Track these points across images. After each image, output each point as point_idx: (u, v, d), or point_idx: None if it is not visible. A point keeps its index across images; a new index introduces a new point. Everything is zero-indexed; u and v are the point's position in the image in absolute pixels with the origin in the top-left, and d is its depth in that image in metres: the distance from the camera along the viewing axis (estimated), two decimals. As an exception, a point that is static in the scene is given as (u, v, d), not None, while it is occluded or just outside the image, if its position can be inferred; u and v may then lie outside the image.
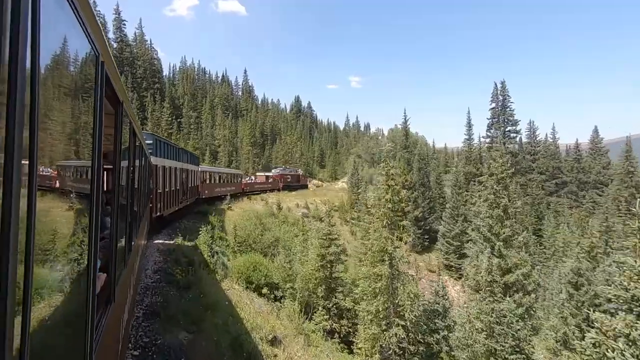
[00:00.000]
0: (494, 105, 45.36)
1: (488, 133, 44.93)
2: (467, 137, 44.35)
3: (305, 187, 63.81)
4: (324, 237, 18.22)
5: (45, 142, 1.19)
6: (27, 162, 0.96)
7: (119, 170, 3.01)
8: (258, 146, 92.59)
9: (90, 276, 1.79)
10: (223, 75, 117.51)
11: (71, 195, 1.62)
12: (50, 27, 1.11)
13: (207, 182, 30.09)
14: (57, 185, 1.45)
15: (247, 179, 45.83)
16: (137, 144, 4.71)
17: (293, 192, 52.60)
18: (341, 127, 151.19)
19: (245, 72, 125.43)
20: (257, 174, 53.57)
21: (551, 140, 65.43)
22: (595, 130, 64.38)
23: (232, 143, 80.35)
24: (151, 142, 14.11)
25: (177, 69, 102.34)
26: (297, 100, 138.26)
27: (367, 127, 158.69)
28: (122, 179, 3.31)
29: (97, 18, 1.74)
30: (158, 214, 15.03)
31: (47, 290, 1.25)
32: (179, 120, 75.13)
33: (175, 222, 19.61)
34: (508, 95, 44.06)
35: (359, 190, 47.89)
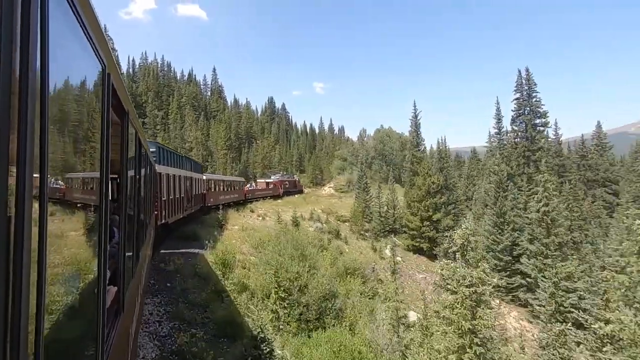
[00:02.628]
0: (518, 95, 40.19)
1: (514, 127, 39.60)
2: (496, 131, 38.74)
3: (302, 192, 62.79)
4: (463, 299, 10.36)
5: (56, 153, 1.21)
6: (38, 175, 0.96)
7: (125, 179, 3.10)
8: (234, 150, 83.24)
9: (100, 290, 1.79)
10: (190, 74, 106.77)
11: (81, 207, 1.64)
12: (59, 40, 1.13)
13: (212, 190, 29.64)
14: (67, 197, 1.46)
15: (247, 185, 44.26)
16: (142, 152, 4.73)
17: (280, 201, 46.42)
18: (315, 130, 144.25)
19: (214, 71, 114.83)
20: (258, 180, 53.23)
21: (554, 137, 61.53)
22: (599, 125, 61.90)
23: (205, 146, 70.53)
24: (155, 150, 14.15)
25: (138, 66, 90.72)
26: (271, 101, 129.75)
27: (342, 130, 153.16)
28: (128, 188, 3.31)
29: (104, 32, 1.77)
30: (163, 221, 14.72)
31: (59, 305, 1.26)
32: (142, 119, 64.50)
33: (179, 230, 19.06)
34: (534, 84, 39.06)
35: (368, 197, 40.64)
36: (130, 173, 3.53)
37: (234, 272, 14.15)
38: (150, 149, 11.90)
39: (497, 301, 28.33)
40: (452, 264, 10.05)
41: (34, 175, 0.90)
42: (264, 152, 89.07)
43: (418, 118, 44.10)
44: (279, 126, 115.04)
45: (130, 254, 3.59)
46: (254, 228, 26.40)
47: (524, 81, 39.71)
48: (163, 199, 14.83)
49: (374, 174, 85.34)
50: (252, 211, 37.10)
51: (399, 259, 32.50)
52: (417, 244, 34.38)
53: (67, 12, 1.23)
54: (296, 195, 59.54)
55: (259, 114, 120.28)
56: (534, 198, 31.88)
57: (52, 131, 1.07)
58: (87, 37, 1.46)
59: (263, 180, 50.85)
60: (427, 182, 33.93)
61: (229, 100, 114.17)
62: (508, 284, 28.37)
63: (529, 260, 27.45)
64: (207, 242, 19.28)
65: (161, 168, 14.60)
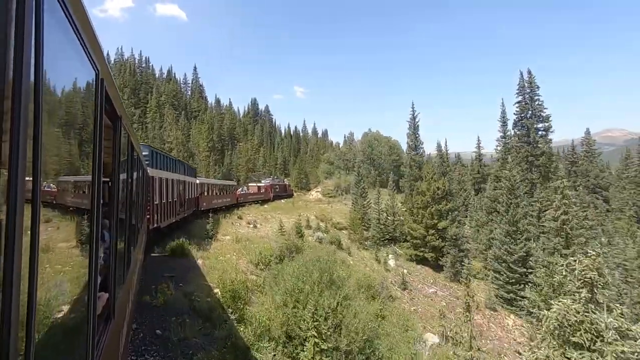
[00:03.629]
0: (520, 98, 38.86)
1: (516, 131, 38.15)
2: (502, 134, 37.04)
3: (291, 196, 63.14)
4: None
5: (48, 157, 1.21)
6: (30, 179, 0.96)
7: (117, 182, 3.08)
8: (217, 151, 79.19)
9: (91, 296, 1.77)
10: (169, 71, 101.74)
11: (72, 211, 1.63)
12: (53, 46, 1.13)
13: (205, 194, 29.47)
14: (59, 200, 1.46)
15: (239, 189, 44.54)
16: (134, 156, 4.71)
17: (266, 206, 44.39)
18: (300, 133, 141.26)
19: (195, 69, 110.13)
20: (250, 184, 53.04)
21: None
22: (587, 132, 62.19)
23: (186, 147, 66.27)
24: (147, 153, 13.76)
25: (113, 61, 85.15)
26: (254, 103, 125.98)
27: (325, 133, 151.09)
28: (120, 192, 3.33)
29: (97, 37, 1.80)
30: (155, 225, 14.56)
31: (49, 311, 1.24)
32: (117, 118, 59.51)
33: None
34: (537, 87, 37.82)
35: (366, 202, 38.10)
36: (122, 176, 3.51)
37: (247, 309, 10.97)
38: (143, 152, 11.63)
39: (512, 317, 26.33)
40: (573, 305, 7.40)
41: (27, 178, 0.90)
42: (249, 154, 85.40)
43: (416, 120, 42.14)
44: (263, 128, 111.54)
45: (122, 258, 3.53)
46: (249, 239, 23.19)
47: (526, 84, 38.45)
48: (155, 202, 14.62)
49: (362, 179, 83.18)
50: (240, 218, 34.00)
51: (405, 271, 30.04)
52: (420, 254, 32.04)
53: (62, 18, 1.23)
54: (283, 201, 56.71)
55: (240, 116, 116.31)
56: (546, 205, 30.34)
57: (45, 135, 1.07)
58: (81, 44, 1.48)
59: (254, 185, 50.96)
60: (433, 187, 31.72)
61: (210, 100, 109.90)
62: (523, 297, 26.37)
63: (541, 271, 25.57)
64: (198, 258, 16.14)
65: (154, 172, 14.32)
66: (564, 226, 24.85)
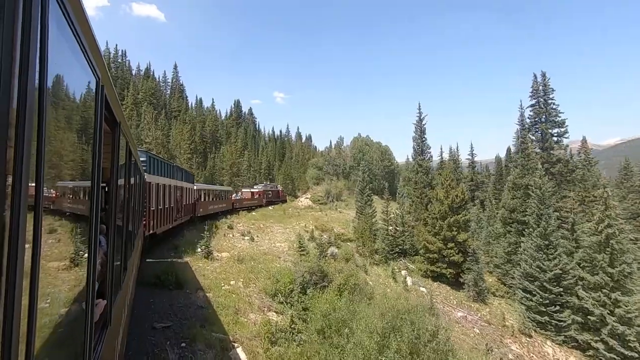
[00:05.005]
0: (534, 102, 36.61)
1: (530, 136, 35.77)
2: (521, 139, 34.41)
3: (285, 201, 62.22)
4: None
5: (49, 162, 1.21)
6: (33, 185, 0.97)
7: (115, 188, 3.05)
8: (199, 154, 73.89)
9: (89, 303, 1.75)
10: (147, 69, 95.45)
11: (71, 216, 1.63)
12: (57, 54, 1.15)
13: (202, 199, 29.33)
14: (59, 206, 1.47)
15: (234, 195, 43.53)
16: (132, 162, 4.69)
17: (254, 213, 41.45)
18: (285, 137, 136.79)
19: (175, 67, 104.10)
20: (243, 190, 51.42)
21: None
22: (584, 140, 61.46)
23: (166, 148, 60.86)
24: (145, 159, 13.57)
25: (85, 54, 78.30)
26: (237, 105, 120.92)
27: (309, 138, 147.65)
28: (117, 198, 3.30)
29: (98, 45, 1.80)
30: (151, 231, 14.37)
31: (47, 318, 1.23)
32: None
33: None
34: (551, 90, 35.70)
35: (371, 212, 34.52)
36: (120, 182, 3.49)
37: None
38: (141, 158, 11.87)
39: (549, 344, 23.24)
40: None
41: (30, 184, 0.91)
42: (233, 158, 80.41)
43: (423, 123, 39.10)
44: (247, 131, 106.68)
45: (119, 264, 3.49)
46: (252, 257, 19.01)
47: (540, 87, 36.26)
48: (152, 208, 14.39)
49: (352, 185, 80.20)
50: (230, 227, 29.83)
51: (422, 289, 26.54)
52: (437, 270, 28.67)
53: (65, 27, 1.25)
54: (270, 207, 52.61)
55: (222, 118, 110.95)
56: (565, 216, 27.75)
57: (48, 140, 1.08)
58: (82, 50, 1.49)
59: (248, 190, 49.74)
60: (452, 196, 28.53)
61: (191, 100, 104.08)
62: (559, 321, 23.39)
63: (587, 292, 22.73)
64: (198, 290, 11.99)
65: (151, 177, 14.19)
66: (610, 241, 22.12)
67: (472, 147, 66.24)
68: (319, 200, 69.58)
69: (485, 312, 24.91)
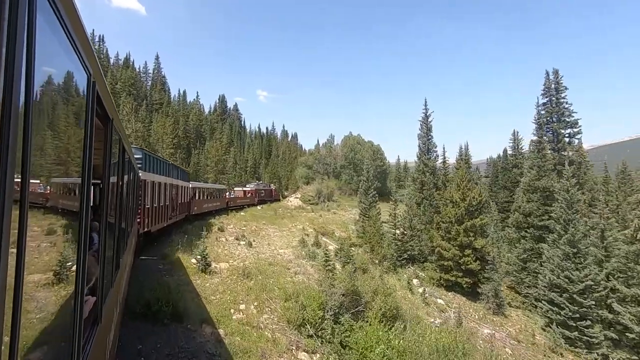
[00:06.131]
0: (545, 100, 34.84)
1: (540, 135, 33.92)
2: (537, 137, 32.38)
3: (279, 200, 61.07)
4: None
5: (38, 158, 1.20)
6: (19, 179, 0.96)
7: (107, 185, 3.03)
8: (183, 149, 69.49)
9: (78, 300, 1.73)
10: (127, 58, 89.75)
11: (61, 212, 1.62)
12: (46, 50, 1.13)
13: (197, 198, 28.77)
14: (48, 201, 1.45)
15: (227, 194, 42.68)
16: (125, 159, 4.68)
17: (243, 213, 38.34)
18: (271, 135, 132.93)
19: (157, 58, 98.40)
20: (235, 189, 50.61)
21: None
22: (580, 142, 60.86)
23: (147, 142, 56.42)
24: (140, 156, 13.63)
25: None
26: (222, 100, 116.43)
27: (295, 137, 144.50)
28: (110, 194, 3.27)
29: (90, 40, 1.76)
30: (145, 229, 14.12)
31: (34, 314, 1.22)
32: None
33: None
34: (564, 88, 34.01)
35: (377, 213, 31.76)
36: (113, 179, 3.47)
37: None
38: (136, 155, 11.99)
39: (582, 362, 21.06)
40: None
41: (16, 179, 0.89)
42: (219, 154, 76.25)
43: (429, 120, 36.75)
44: (232, 127, 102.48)
45: (110, 262, 3.45)
46: (258, 268, 15.85)
47: (552, 84, 34.52)
48: (147, 206, 14.13)
49: (343, 185, 77.45)
50: (221, 230, 26.65)
51: (440, 301, 23.98)
52: (452, 279, 26.21)
53: (55, 22, 1.22)
54: (259, 207, 49.40)
55: (206, 113, 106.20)
56: (605, 224, 25.83)
57: (35, 136, 1.07)
58: (73, 47, 1.47)
59: (240, 189, 48.77)
60: (469, 198, 26.14)
61: (174, 93, 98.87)
62: (590, 337, 21.29)
63: (624, 306, 20.70)
64: (201, 324, 8.85)
65: (146, 175, 13.99)
66: (650, 250, 20.15)
67: (466, 148, 64.84)
68: (309, 200, 66.37)
69: (511, 328, 22.57)
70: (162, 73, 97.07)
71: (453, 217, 26.63)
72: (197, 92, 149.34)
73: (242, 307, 11.09)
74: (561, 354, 21.03)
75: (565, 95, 34.54)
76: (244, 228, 29.38)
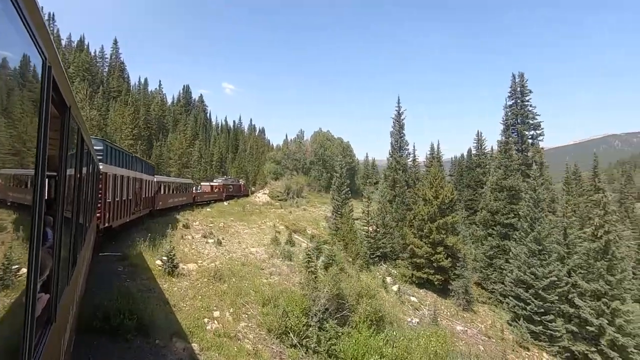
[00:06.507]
0: (512, 102, 36.11)
1: (505, 137, 35.13)
2: (504, 138, 33.36)
3: (247, 196, 60.54)
4: None
5: None
6: None
7: (63, 177, 2.86)
8: (144, 140, 65.48)
9: (29, 297, 1.67)
10: (81, 41, 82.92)
11: (11, 207, 1.57)
12: None
13: (162, 192, 27.77)
14: None
15: (194, 188, 41.75)
16: (84, 150, 4.48)
17: (209, 209, 36.36)
18: (238, 128, 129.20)
19: (115, 43, 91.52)
20: (202, 183, 50.09)
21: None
22: (538, 144, 64.18)
23: (104, 131, 52.42)
24: (101, 147, 12.98)
25: None
26: (187, 90, 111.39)
27: (262, 131, 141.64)
28: (66, 187, 3.12)
29: (46, 23, 1.68)
30: (106, 225, 13.56)
31: None
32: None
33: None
34: (529, 91, 35.41)
35: (349, 210, 31.41)
36: (70, 171, 3.34)
37: None
38: (97, 147, 11.60)
39: (545, 356, 21.91)
40: None
41: None
42: (182, 147, 72.76)
43: (402, 117, 36.90)
44: (197, 120, 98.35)
45: (66, 258, 3.30)
46: (232, 270, 14.69)
47: (518, 87, 35.84)
48: (108, 200, 13.64)
49: (312, 181, 76.75)
50: (186, 227, 25.14)
51: (413, 299, 23.99)
52: (424, 276, 26.38)
53: (6, 2, 1.16)
54: (226, 203, 47.67)
55: (169, 104, 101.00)
56: (572, 222, 27.07)
57: None
58: (27, 29, 1.40)
59: (207, 184, 48.24)
60: (442, 196, 26.37)
61: (134, 81, 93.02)
62: (554, 331, 22.19)
63: (584, 301, 21.73)
64: (172, 338, 7.73)
65: (107, 167, 13.47)
66: (607, 247, 21.25)
67: (437, 146, 66.43)
68: (277, 196, 65.08)
69: (481, 324, 23.02)
70: (121, 59, 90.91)
71: (426, 214, 26.78)
72: (160, 81, 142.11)
73: (217, 314, 10.01)
74: (527, 348, 21.74)
75: (530, 99, 35.99)
76: (211, 225, 27.87)
